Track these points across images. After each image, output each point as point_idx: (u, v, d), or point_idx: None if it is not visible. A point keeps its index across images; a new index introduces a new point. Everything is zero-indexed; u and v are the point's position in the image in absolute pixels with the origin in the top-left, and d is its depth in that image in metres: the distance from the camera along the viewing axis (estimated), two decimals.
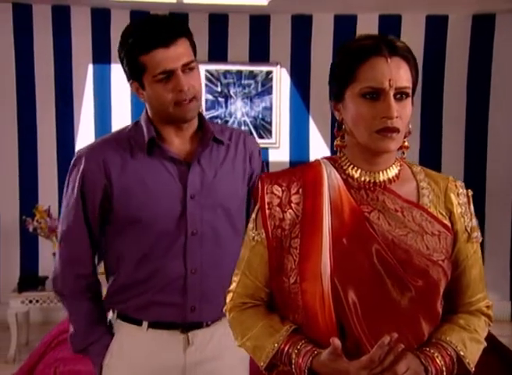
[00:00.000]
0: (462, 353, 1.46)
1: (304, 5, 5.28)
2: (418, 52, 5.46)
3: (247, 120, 5.49)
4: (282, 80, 5.47)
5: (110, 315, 2.02)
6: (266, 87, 5.47)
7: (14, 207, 5.27)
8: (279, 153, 5.43)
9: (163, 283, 1.92)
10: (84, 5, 5.21)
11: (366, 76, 1.42)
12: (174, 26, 1.85)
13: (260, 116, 5.50)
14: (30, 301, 4.66)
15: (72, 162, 1.97)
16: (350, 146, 1.51)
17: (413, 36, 5.48)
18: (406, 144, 1.51)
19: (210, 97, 5.41)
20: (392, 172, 1.51)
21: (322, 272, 1.42)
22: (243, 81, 5.44)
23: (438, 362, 1.42)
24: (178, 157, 1.93)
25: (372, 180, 1.50)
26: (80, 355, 3.06)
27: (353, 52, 1.44)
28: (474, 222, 1.56)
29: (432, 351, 1.43)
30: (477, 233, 1.55)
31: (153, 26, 1.84)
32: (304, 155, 5.44)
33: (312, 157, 5.42)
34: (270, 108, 5.48)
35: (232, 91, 5.44)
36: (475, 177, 5.52)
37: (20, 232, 5.21)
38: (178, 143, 1.95)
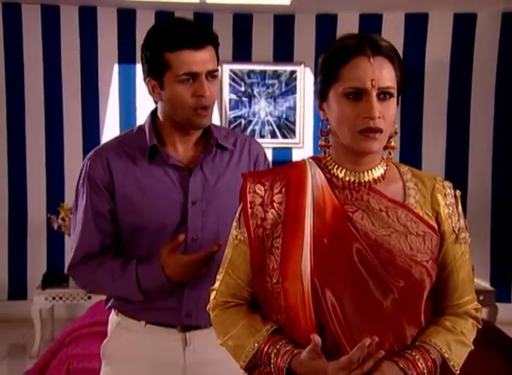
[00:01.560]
0: (447, 355, 1.44)
1: (328, 5, 5.25)
2: (445, 52, 5.40)
3: (271, 120, 5.49)
4: (306, 79, 5.45)
5: (112, 313, 2.04)
6: (290, 86, 5.46)
7: (41, 205, 5.37)
8: (303, 153, 5.40)
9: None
10: (111, 6, 5.28)
11: (349, 76, 1.40)
12: (205, 31, 1.85)
13: (284, 115, 5.49)
14: (54, 298, 4.74)
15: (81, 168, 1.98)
16: (335, 146, 1.50)
17: (440, 35, 5.43)
18: (392, 144, 1.50)
19: (234, 96, 5.42)
20: (378, 172, 1.49)
21: (303, 272, 1.41)
22: (267, 81, 5.44)
23: (419, 365, 1.40)
24: (180, 164, 1.92)
25: (357, 180, 1.48)
26: (93, 353, 3.11)
27: (337, 52, 1.43)
28: (462, 223, 1.53)
29: (413, 353, 1.42)
30: (465, 234, 1.52)
31: (184, 26, 1.83)
32: None
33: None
34: (294, 108, 5.47)
35: (256, 91, 5.45)
36: (504, 178, 5.43)
37: (47, 230, 5.30)
38: (181, 149, 1.94)
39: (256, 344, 1.44)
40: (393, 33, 5.41)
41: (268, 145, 5.44)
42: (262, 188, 1.50)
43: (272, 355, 1.42)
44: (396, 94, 1.44)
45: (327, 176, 1.49)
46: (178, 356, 1.94)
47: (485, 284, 5.16)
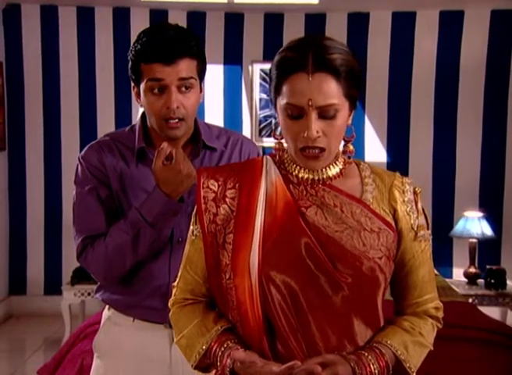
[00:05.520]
0: (403, 357, 1.42)
1: (360, 3, 5.18)
2: (482, 51, 5.26)
3: None
4: None
5: (106, 308, 2.08)
6: None
7: None
8: None
9: (148, 288, 1.95)
10: (143, 7, 5.34)
11: (288, 92, 1.37)
12: (182, 44, 1.84)
13: None
14: (82, 294, 4.85)
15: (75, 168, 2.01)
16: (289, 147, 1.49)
17: (476, 33, 5.29)
18: (351, 148, 1.48)
19: (264, 96, 5.40)
20: (333, 170, 1.47)
21: (251, 267, 1.40)
22: None
23: (371, 366, 1.38)
24: None
25: (311, 177, 1.47)
26: None
27: (281, 65, 1.39)
28: (422, 220, 1.50)
29: (366, 354, 1.40)
30: (424, 232, 1.49)
31: (161, 39, 1.84)
32: (359, 154, 5.32)
33: (367, 157, 5.32)
34: None
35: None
36: None
37: None
38: None
39: (204, 346, 1.44)
40: (427, 31, 5.31)
41: None
42: (216, 184, 1.50)
43: (219, 357, 1.42)
44: (344, 107, 1.39)
45: (283, 173, 1.48)
46: (164, 352, 1.95)
47: None
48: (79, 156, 2.00)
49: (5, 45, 5.42)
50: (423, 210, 1.51)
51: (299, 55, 1.37)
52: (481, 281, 4.90)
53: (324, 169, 1.46)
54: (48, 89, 5.46)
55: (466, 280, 4.93)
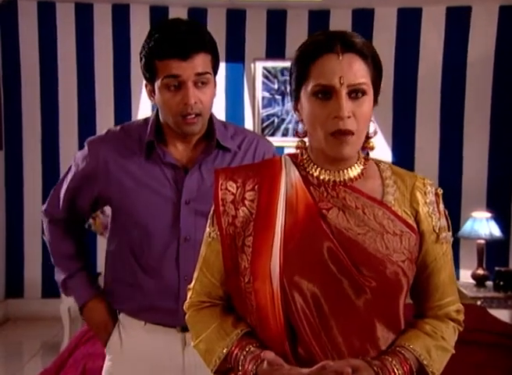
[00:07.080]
0: (425, 362, 1.40)
1: None
2: (490, 48, 5.18)
3: None
4: None
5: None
6: None
7: None
8: None
9: (157, 288, 1.93)
10: (143, 4, 5.26)
11: (317, 73, 1.36)
12: (196, 40, 1.83)
13: None
14: None
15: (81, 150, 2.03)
16: (311, 147, 1.46)
17: (484, 29, 5.21)
18: (371, 144, 1.46)
19: (267, 94, 5.32)
20: (355, 171, 1.45)
21: (272, 271, 1.37)
22: None
23: (395, 371, 1.35)
24: (176, 162, 1.93)
25: (332, 179, 1.43)
26: None
27: (306, 50, 1.39)
28: (444, 222, 1.47)
29: (390, 359, 1.37)
30: (446, 234, 1.47)
31: (175, 34, 1.82)
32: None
33: (372, 156, 5.22)
34: None
35: (289, 89, 5.32)
36: None
37: None
38: (182, 148, 1.95)
39: (225, 350, 1.42)
40: (434, 28, 5.23)
41: None
42: (234, 185, 1.47)
43: (241, 361, 1.39)
44: (370, 92, 1.39)
45: (302, 174, 1.45)
46: (177, 356, 1.95)
47: None
48: (88, 146, 2.00)
49: (1, 43, 5.34)
50: (444, 212, 1.49)
51: (327, 38, 1.37)
52: (489, 283, 4.81)
53: (345, 170, 1.44)
54: (46, 87, 5.38)
55: (474, 282, 4.84)
